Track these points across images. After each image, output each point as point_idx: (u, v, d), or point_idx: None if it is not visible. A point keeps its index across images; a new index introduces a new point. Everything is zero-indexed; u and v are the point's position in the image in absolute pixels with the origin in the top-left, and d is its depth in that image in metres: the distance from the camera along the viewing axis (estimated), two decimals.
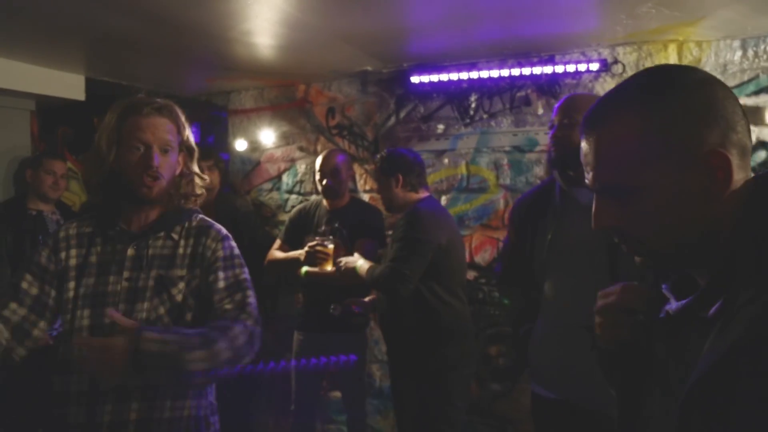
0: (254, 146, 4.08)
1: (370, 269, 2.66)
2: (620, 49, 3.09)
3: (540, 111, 3.29)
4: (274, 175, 4.05)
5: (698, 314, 0.80)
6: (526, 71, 3.21)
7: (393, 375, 2.87)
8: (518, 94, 3.32)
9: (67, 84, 3.58)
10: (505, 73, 3.26)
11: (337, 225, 3.09)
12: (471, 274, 3.46)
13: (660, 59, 3.04)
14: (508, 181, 3.36)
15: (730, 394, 0.68)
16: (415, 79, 3.45)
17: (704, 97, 0.80)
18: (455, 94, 3.47)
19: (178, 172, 1.63)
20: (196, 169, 1.68)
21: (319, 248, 2.85)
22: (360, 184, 3.78)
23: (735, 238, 0.78)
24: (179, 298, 1.58)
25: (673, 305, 0.85)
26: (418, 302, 2.64)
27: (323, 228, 3.08)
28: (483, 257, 3.45)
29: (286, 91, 3.96)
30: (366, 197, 3.73)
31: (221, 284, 1.60)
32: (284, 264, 3.11)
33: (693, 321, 0.81)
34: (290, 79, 3.82)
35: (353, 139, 3.78)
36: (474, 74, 3.34)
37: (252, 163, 4.12)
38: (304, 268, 2.96)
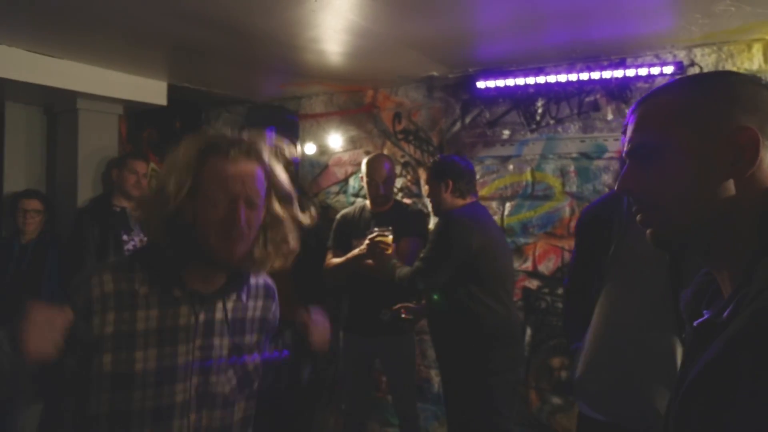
0: (323, 150, 4.19)
1: (399, 266, 2.83)
2: (698, 51, 2.93)
3: (609, 116, 3.17)
4: (341, 178, 4.13)
5: (716, 321, 0.77)
6: (596, 75, 3.11)
7: (442, 380, 2.89)
8: (587, 99, 3.22)
9: (151, 90, 3.83)
10: (573, 77, 3.18)
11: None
12: (534, 283, 3.39)
13: (743, 60, 2.86)
14: (574, 189, 3.26)
15: (728, 390, 0.65)
16: (480, 85, 3.43)
17: (749, 92, 0.80)
18: (521, 99, 3.41)
19: (260, 226, 1.33)
20: (289, 216, 1.38)
21: (380, 238, 2.91)
22: (424, 189, 3.78)
23: (759, 239, 0.75)
24: (251, 367, 1.41)
25: (700, 319, 0.82)
26: (459, 306, 2.67)
27: (373, 230, 3.14)
28: (547, 266, 3.36)
29: (354, 96, 4.04)
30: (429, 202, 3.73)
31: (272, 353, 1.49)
32: (343, 268, 3.17)
33: (712, 329, 0.78)
34: (358, 84, 3.90)
35: (419, 144, 3.80)
36: (541, 79, 3.27)
37: (320, 166, 4.22)
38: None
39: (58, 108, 3.84)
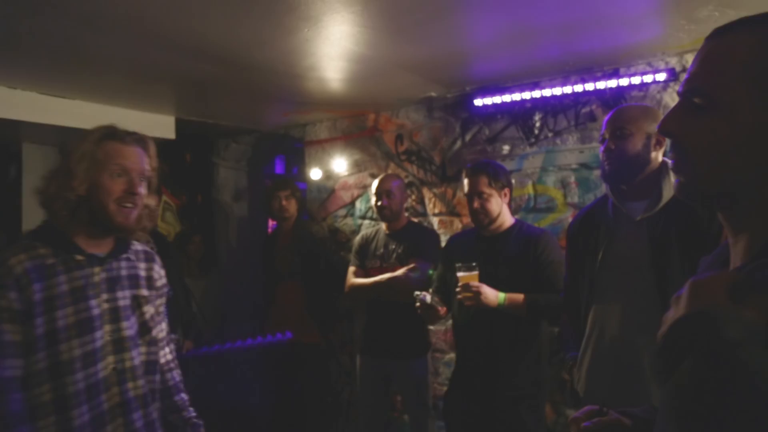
0: (328, 175, 4.27)
1: (531, 298, 2.46)
2: (688, 57, 2.96)
3: None
4: (348, 201, 4.20)
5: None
6: (590, 87, 3.15)
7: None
8: (583, 111, 3.25)
9: (160, 124, 3.95)
10: (568, 90, 3.22)
11: (393, 246, 3.20)
12: None
13: None
14: (576, 199, 3.28)
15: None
16: (478, 102, 3.49)
17: None
18: (519, 114, 3.46)
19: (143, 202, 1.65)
20: (153, 202, 1.71)
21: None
22: (429, 207, 3.83)
23: None
24: (147, 316, 1.69)
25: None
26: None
27: (381, 251, 3.21)
28: None
29: (357, 121, 4.13)
30: (435, 221, 3.78)
31: (161, 310, 1.79)
32: (369, 290, 3.20)
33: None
34: (360, 109, 3.98)
35: (421, 164, 3.86)
36: (537, 93, 3.32)
37: (327, 191, 4.30)
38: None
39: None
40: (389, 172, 3.92)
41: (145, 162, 1.64)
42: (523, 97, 3.36)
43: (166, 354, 1.82)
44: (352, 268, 3.37)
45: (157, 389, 1.73)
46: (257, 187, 5.13)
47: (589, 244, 2.05)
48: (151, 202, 1.69)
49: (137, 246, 1.75)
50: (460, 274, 2.49)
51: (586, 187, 3.25)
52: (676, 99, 0.94)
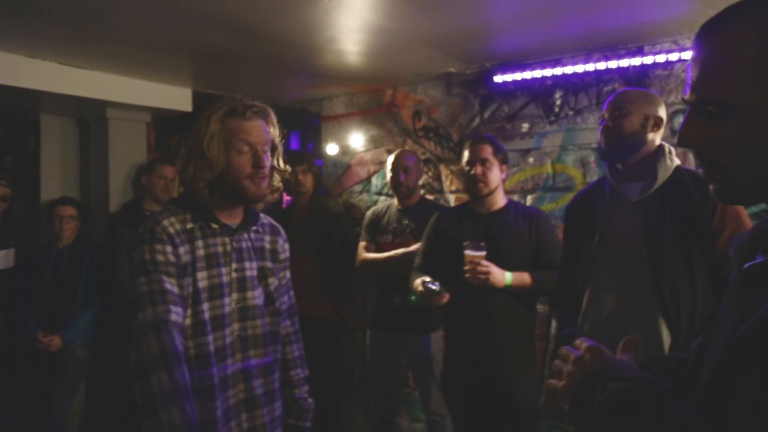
0: (345, 150, 4.25)
1: (537, 278, 2.51)
2: None
3: None
4: (364, 177, 4.19)
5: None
6: (613, 64, 3.09)
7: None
8: (605, 89, 3.20)
9: (177, 97, 3.95)
10: (590, 67, 3.17)
11: (407, 222, 3.20)
12: None
13: None
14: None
15: None
16: (498, 79, 3.44)
17: None
18: (539, 91, 3.41)
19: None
20: (277, 163, 1.75)
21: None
22: (446, 185, 3.81)
23: None
24: (271, 287, 1.75)
25: (752, 262, 0.79)
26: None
27: (394, 225, 3.21)
28: None
29: (374, 96, 4.09)
30: (452, 198, 3.76)
31: (284, 282, 1.84)
32: (380, 264, 3.23)
33: (761, 276, 0.76)
34: (378, 84, 3.95)
35: (439, 141, 3.83)
36: (558, 70, 3.27)
37: (343, 166, 4.29)
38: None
39: (90, 118, 4.00)
40: (406, 148, 3.90)
41: (267, 133, 1.68)
42: (544, 75, 3.31)
43: (287, 326, 1.86)
44: (362, 243, 3.37)
45: (279, 359, 1.77)
46: None
47: (586, 224, 2.08)
48: (279, 166, 1.74)
49: (264, 219, 1.82)
50: (468, 252, 2.48)
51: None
52: None
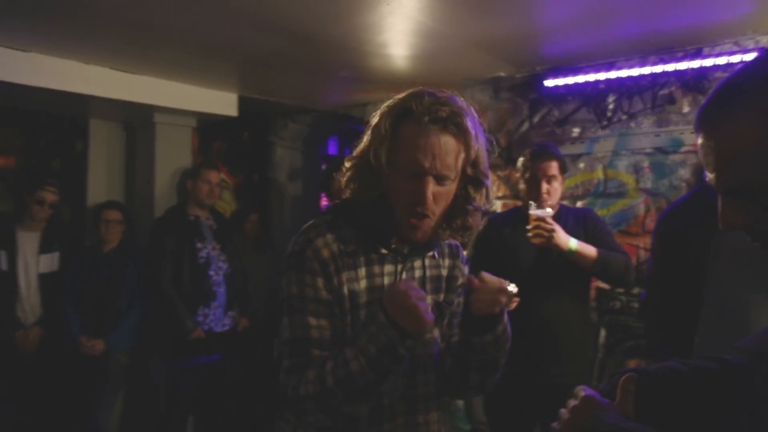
0: None
1: (604, 252, 2.40)
2: None
3: (686, 109, 3.07)
4: None
5: None
6: (670, 67, 3.02)
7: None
8: (661, 93, 3.13)
9: (223, 102, 3.97)
10: (646, 70, 3.10)
11: None
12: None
13: None
14: (649, 185, 3.17)
15: None
16: (549, 83, 3.39)
17: None
18: (591, 95, 3.35)
19: (449, 204, 1.24)
20: (478, 199, 1.27)
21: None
22: (493, 190, 3.76)
23: None
24: (446, 327, 1.37)
25: None
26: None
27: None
28: None
29: None
30: (499, 204, 3.71)
31: (458, 310, 1.38)
32: None
33: None
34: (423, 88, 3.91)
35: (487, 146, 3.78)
36: (612, 74, 3.21)
37: None
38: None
39: (137, 122, 4.04)
40: None
41: (451, 152, 1.20)
42: (597, 78, 3.25)
43: None
44: None
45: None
46: (312, 167, 5.13)
47: (692, 238, 1.89)
48: (472, 197, 1.28)
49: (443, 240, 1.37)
50: (532, 212, 2.41)
51: (660, 173, 3.14)
52: None
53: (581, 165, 3.41)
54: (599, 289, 3.31)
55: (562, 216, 2.60)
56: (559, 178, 2.56)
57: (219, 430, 3.76)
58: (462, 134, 1.18)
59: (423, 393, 1.30)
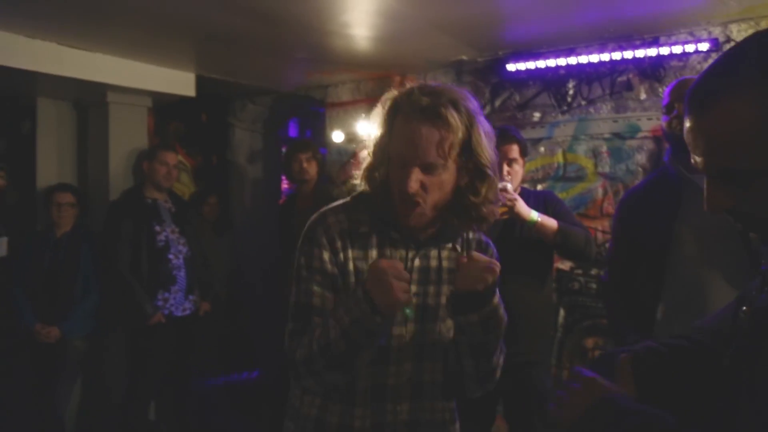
0: (350, 138, 4.20)
1: (564, 225, 2.43)
2: (734, 27, 2.90)
3: (643, 96, 3.15)
4: None
5: None
6: (628, 55, 3.08)
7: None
8: (619, 79, 3.20)
9: (180, 81, 3.85)
10: (605, 57, 3.15)
11: None
12: (567, 264, 3.38)
13: None
14: (607, 169, 3.25)
15: None
16: (510, 67, 3.42)
17: None
18: (552, 81, 3.40)
19: (447, 193, 1.24)
20: (485, 192, 1.26)
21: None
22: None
23: None
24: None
25: None
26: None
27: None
28: None
29: (381, 83, 4.04)
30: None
31: None
32: None
33: None
34: (386, 70, 3.89)
35: None
36: (572, 60, 3.25)
37: (348, 154, 4.23)
38: None
39: (89, 101, 3.88)
40: None
41: (433, 144, 1.21)
42: (558, 64, 3.29)
43: None
44: None
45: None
46: (272, 149, 5.05)
47: (654, 221, 1.95)
48: (474, 186, 1.27)
49: (470, 234, 1.36)
50: None
51: (618, 157, 3.22)
52: None
53: (542, 149, 3.46)
54: (559, 271, 3.39)
55: (524, 198, 2.63)
56: (520, 161, 2.60)
57: (181, 414, 3.72)
58: (443, 123, 1.18)
59: (429, 380, 1.34)
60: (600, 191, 3.29)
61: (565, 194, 3.38)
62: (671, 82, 2.72)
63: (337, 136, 4.23)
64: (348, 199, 1.36)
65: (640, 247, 1.99)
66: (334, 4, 2.64)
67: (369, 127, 4.02)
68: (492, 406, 2.66)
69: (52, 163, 3.95)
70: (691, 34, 3.00)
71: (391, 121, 1.25)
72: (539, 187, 3.45)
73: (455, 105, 1.21)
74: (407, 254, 1.31)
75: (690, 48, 2.94)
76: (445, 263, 1.34)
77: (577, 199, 3.35)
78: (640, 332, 1.97)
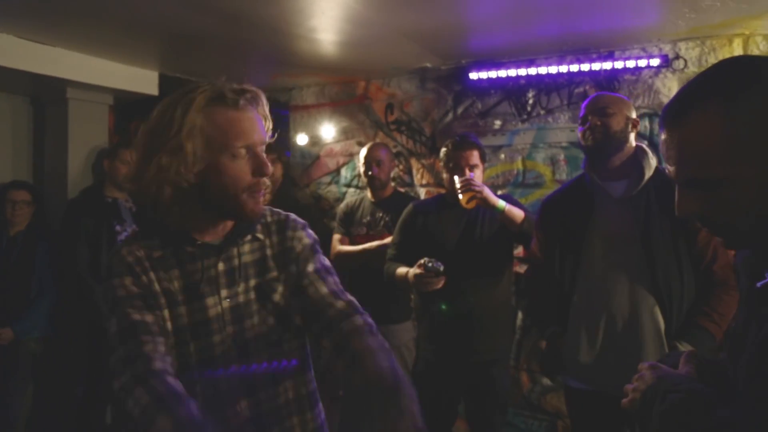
0: (314, 141, 4.22)
1: (530, 216, 2.55)
2: (682, 45, 3.07)
3: None
4: (333, 169, 4.17)
5: None
6: (585, 67, 3.22)
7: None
8: (576, 90, 3.33)
9: (143, 79, 3.81)
10: (563, 69, 3.29)
11: (380, 215, 3.22)
12: (524, 268, 3.48)
13: (724, 54, 3.00)
14: (564, 177, 3.37)
15: None
16: (473, 76, 3.51)
17: None
18: (513, 90, 3.51)
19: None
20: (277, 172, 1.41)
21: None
22: (417, 178, 3.86)
23: None
24: (282, 303, 1.35)
25: (763, 281, 0.90)
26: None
27: (368, 218, 3.21)
28: None
29: (346, 88, 4.08)
30: (422, 191, 3.81)
31: (312, 273, 1.37)
32: (355, 257, 3.22)
33: None
34: (351, 75, 3.94)
35: (411, 135, 3.86)
36: (532, 70, 3.37)
37: (312, 157, 4.26)
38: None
39: (47, 97, 3.79)
40: (377, 141, 3.91)
41: (263, 128, 1.28)
42: (519, 74, 3.40)
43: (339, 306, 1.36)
44: (337, 236, 3.36)
45: (306, 394, 1.40)
46: None
47: (568, 223, 2.15)
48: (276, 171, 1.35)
49: (266, 218, 1.39)
50: (458, 178, 2.54)
51: (574, 165, 3.34)
52: (668, 85, 0.98)
53: (502, 156, 3.56)
54: (518, 274, 3.49)
55: None
56: (480, 166, 2.68)
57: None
58: (263, 111, 1.31)
59: (266, 410, 1.31)
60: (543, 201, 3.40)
61: (524, 200, 3.48)
62: (624, 94, 2.87)
63: (301, 139, 4.25)
64: (132, 233, 1.33)
65: (558, 247, 2.18)
66: (302, 8, 2.67)
67: (329, 131, 4.04)
68: (453, 406, 2.73)
69: (7, 159, 3.85)
70: (644, 49, 3.15)
71: (205, 117, 1.20)
72: (499, 193, 3.53)
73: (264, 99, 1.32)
74: (208, 263, 1.29)
75: (642, 63, 3.10)
76: (247, 258, 1.33)
77: (535, 204, 3.45)
78: (558, 323, 2.18)
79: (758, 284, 0.89)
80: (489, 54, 3.43)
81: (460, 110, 3.69)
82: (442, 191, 3.73)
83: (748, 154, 0.82)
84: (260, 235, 1.36)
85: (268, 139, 1.29)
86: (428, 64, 3.65)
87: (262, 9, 2.69)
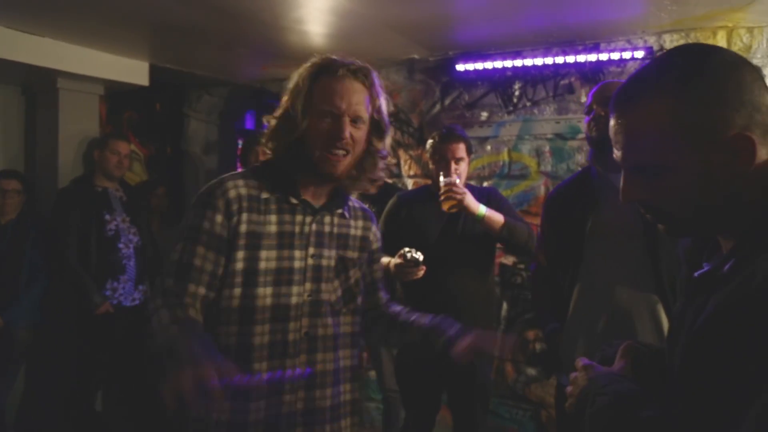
0: None
1: (510, 220, 2.53)
2: (666, 37, 3.09)
3: (583, 99, 3.31)
4: None
5: (716, 274, 0.86)
6: (570, 59, 3.24)
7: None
8: (562, 82, 3.35)
9: (133, 70, 3.83)
10: (549, 61, 3.30)
11: (367, 205, 3.21)
12: (510, 259, 3.52)
13: None
14: (549, 168, 3.40)
15: (737, 339, 0.74)
16: (460, 67, 3.53)
17: (733, 82, 0.83)
18: (499, 82, 3.53)
19: (363, 149, 1.42)
20: (383, 148, 1.48)
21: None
22: (404, 169, 3.89)
23: (757, 208, 0.84)
24: (352, 281, 1.51)
25: (700, 270, 0.91)
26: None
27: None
28: None
29: None
30: (410, 182, 3.84)
31: (379, 275, 1.64)
32: None
33: (713, 281, 0.87)
34: None
35: (399, 126, 3.89)
36: (518, 62, 3.39)
37: None
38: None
39: (38, 88, 3.82)
40: None
41: (363, 101, 1.38)
42: (505, 66, 3.42)
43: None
44: None
45: (356, 365, 1.54)
46: (228, 141, 5.05)
47: (573, 216, 2.08)
48: (378, 148, 1.46)
49: (354, 203, 1.57)
50: (443, 179, 2.51)
51: (559, 157, 3.37)
52: None
53: (488, 147, 3.59)
54: (502, 265, 3.53)
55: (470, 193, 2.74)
56: (466, 159, 2.68)
57: (129, 404, 3.71)
58: (370, 84, 1.40)
59: (322, 333, 1.43)
60: (542, 189, 3.44)
61: (509, 191, 3.52)
62: None
63: None
64: (246, 169, 1.48)
65: (562, 239, 2.12)
66: (286, 0, 2.69)
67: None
68: (437, 395, 2.76)
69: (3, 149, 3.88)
70: (629, 41, 3.17)
71: (311, 83, 1.38)
72: (485, 184, 3.58)
73: (374, 76, 1.43)
74: (304, 219, 1.42)
75: (627, 55, 3.11)
76: (335, 229, 1.48)
77: (520, 196, 3.49)
78: (559, 318, 2.11)
79: (695, 274, 0.91)
80: (476, 46, 3.44)
81: (447, 101, 3.72)
82: (430, 182, 3.77)
83: (693, 142, 0.84)
84: (347, 214, 1.51)
85: (370, 113, 1.40)
86: (416, 56, 3.67)
87: (248, 0, 2.71)
